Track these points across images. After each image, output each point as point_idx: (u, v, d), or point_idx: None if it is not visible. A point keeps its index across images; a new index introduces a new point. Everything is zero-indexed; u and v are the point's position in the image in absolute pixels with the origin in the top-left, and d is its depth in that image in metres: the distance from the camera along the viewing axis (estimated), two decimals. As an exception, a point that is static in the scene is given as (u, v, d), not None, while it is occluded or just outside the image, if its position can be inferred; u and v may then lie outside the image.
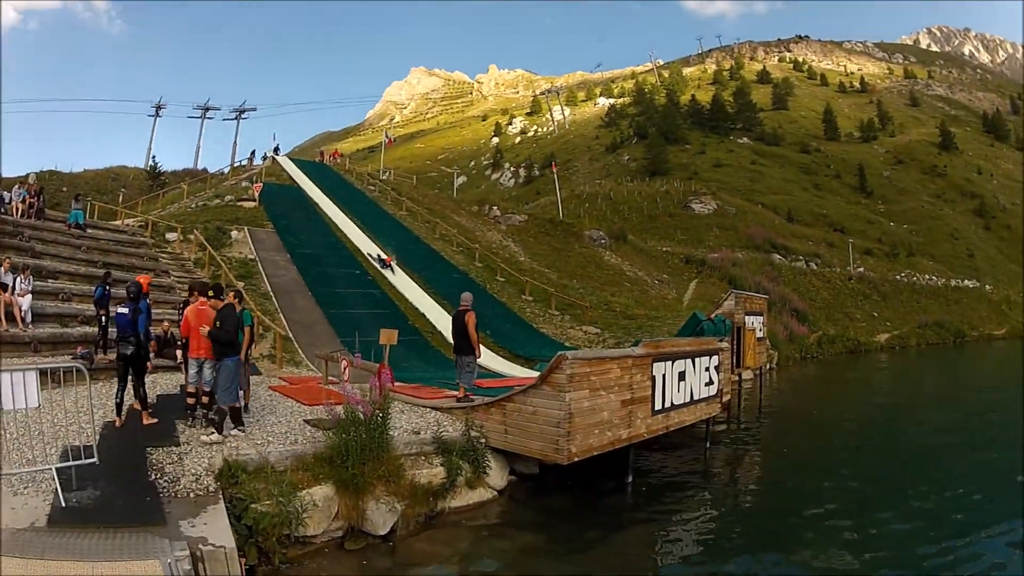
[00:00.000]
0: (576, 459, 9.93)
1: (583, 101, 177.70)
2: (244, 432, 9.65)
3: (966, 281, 74.64)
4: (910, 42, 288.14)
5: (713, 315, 18.03)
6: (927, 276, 72.14)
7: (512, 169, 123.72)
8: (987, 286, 75.75)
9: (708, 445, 14.78)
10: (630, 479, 11.38)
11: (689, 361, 13.18)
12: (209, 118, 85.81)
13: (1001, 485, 11.95)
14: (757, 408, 21.06)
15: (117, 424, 9.94)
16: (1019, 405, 21.98)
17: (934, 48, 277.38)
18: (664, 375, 12.18)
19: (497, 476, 10.49)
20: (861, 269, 66.49)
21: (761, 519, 10.18)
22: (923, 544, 8.79)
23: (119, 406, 10.12)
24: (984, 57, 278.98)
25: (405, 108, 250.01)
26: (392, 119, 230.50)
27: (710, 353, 14.19)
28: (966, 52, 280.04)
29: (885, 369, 37.44)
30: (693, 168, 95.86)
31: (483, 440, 10.64)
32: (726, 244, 61.88)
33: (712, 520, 10.21)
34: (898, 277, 68.18)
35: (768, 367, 29.91)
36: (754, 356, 20.00)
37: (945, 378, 35.13)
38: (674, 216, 70.92)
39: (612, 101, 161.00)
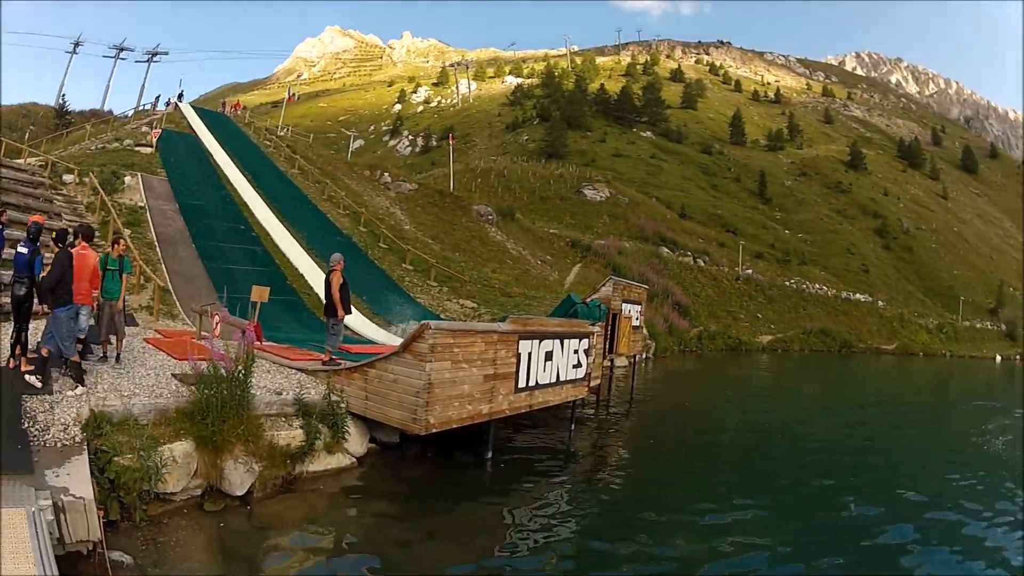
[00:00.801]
0: (434, 430, 10.20)
1: (491, 78, 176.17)
2: (86, 389, 9.20)
3: (858, 295, 77.76)
4: (835, 63, 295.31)
5: (588, 299, 18.22)
6: (817, 285, 74.84)
7: (410, 137, 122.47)
8: (880, 302, 79.03)
9: (573, 427, 15.23)
10: (490, 455, 11.63)
11: (558, 342, 13.44)
12: (122, 59, 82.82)
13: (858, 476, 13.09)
14: (628, 395, 21.71)
15: (10, 365, 9.73)
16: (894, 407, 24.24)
17: (860, 72, 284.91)
18: (530, 353, 12.41)
19: (357, 443, 10.70)
20: (750, 271, 68.70)
21: (618, 502, 10.58)
22: (779, 528, 9.43)
23: (13, 347, 9.89)
24: (912, 88, 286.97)
25: (314, 66, 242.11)
26: (300, 75, 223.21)
27: (580, 336, 14.47)
28: (893, 80, 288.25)
29: (764, 369, 39.18)
30: (591, 155, 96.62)
31: (343, 405, 10.75)
32: (615, 232, 62.95)
33: (568, 500, 10.51)
34: (787, 283, 70.80)
35: (644, 356, 31.03)
36: (628, 344, 20.62)
37: (822, 380, 37.54)
38: (565, 200, 71.61)
39: (520, 81, 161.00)
